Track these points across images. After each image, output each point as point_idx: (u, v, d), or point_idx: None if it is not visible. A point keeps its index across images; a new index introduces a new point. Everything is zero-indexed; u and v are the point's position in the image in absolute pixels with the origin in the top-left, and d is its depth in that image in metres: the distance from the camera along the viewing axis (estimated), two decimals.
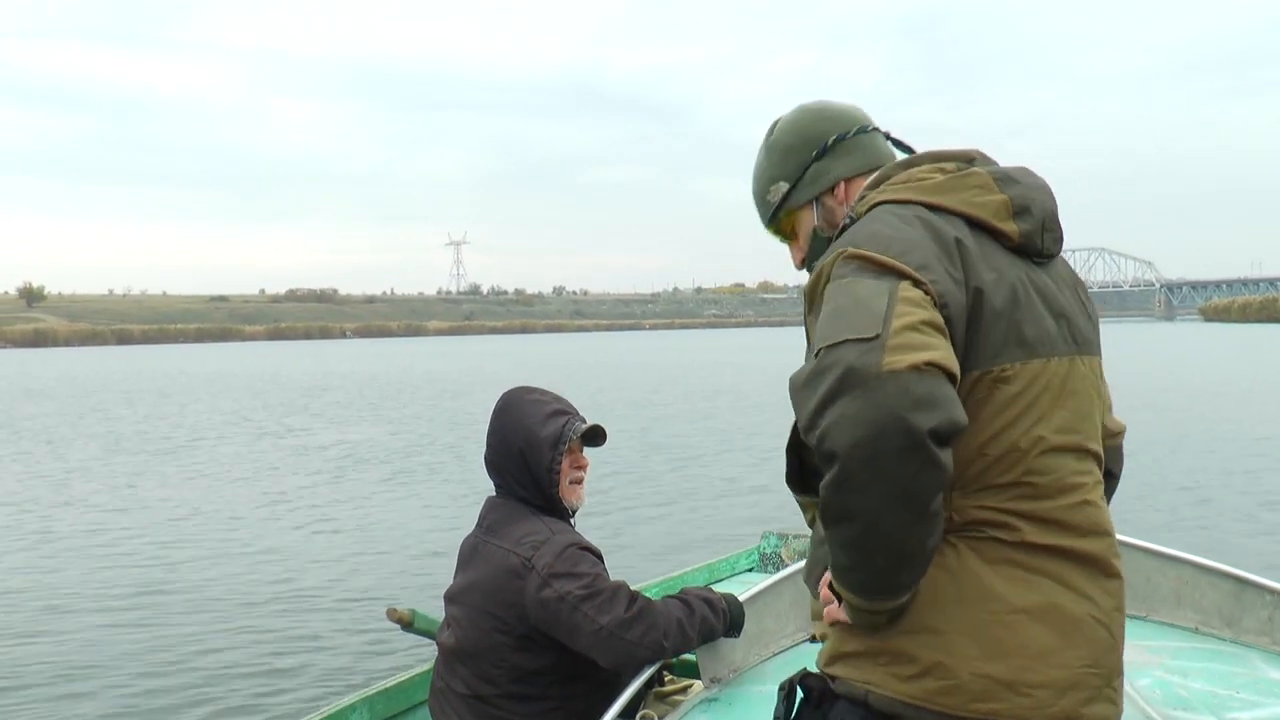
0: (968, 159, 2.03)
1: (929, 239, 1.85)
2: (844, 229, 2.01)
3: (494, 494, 3.22)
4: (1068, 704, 1.80)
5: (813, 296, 1.90)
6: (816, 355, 1.73)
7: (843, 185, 2.17)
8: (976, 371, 1.83)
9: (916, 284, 1.77)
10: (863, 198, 2.04)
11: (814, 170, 2.17)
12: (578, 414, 3.20)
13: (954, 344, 1.78)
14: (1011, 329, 1.86)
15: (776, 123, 2.23)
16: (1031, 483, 1.85)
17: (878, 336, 1.66)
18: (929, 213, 1.91)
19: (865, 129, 2.16)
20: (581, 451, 3.20)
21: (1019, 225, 1.94)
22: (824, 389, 1.67)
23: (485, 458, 3.20)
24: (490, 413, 3.22)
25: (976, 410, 1.82)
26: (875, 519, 1.67)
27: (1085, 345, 2.02)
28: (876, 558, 1.73)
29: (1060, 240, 2.03)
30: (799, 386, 1.74)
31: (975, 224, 1.93)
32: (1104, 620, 1.88)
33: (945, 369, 1.67)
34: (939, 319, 1.75)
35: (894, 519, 1.67)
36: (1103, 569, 1.90)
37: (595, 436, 3.22)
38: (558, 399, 3.22)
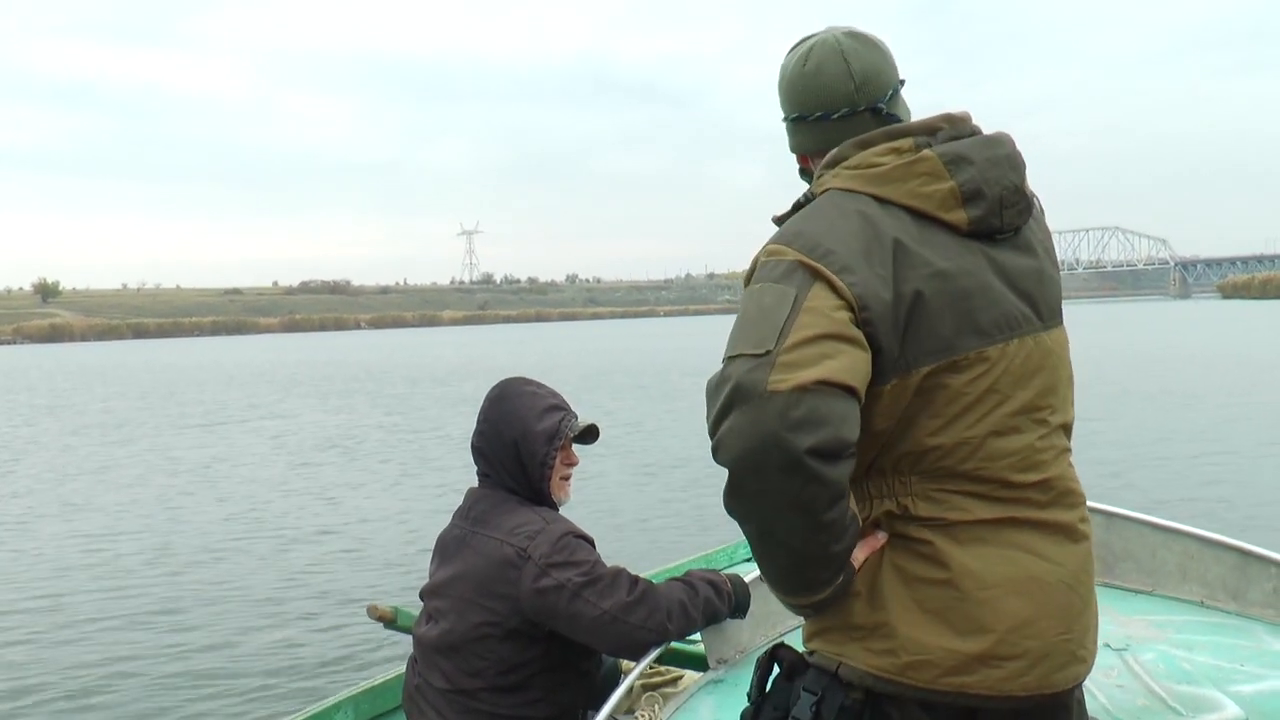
0: (929, 131, 1.94)
1: (862, 238, 1.82)
2: (797, 206, 1.99)
3: (476, 484, 3.16)
4: (1041, 672, 1.84)
5: (746, 285, 1.90)
6: (722, 364, 1.77)
7: (807, 156, 2.14)
8: (925, 368, 1.83)
9: (832, 288, 1.76)
10: (820, 176, 2.00)
11: (788, 128, 2.15)
12: (572, 410, 3.16)
13: (879, 347, 1.78)
14: (964, 320, 1.85)
15: (810, 50, 2.08)
16: (994, 466, 1.87)
17: (768, 353, 1.69)
18: (874, 205, 1.87)
19: (830, 115, 2.05)
20: (572, 449, 3.16)
21: (968, 212, 1.89)
22: (720, 402, 1.72)
23: (473, 444, 3.15)
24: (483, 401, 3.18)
25: (926, 403, 1.84)
26: (768, 526, 1.75)
27: (1052, 318, 1.99)
28: (778, 559, 1.81)
29: (1025, 211, 1.97)
30: (708, 394, 1.78)
31: (922, 215, 1.88)
32: (1071, 583, 1.90)
33: (838, 384, 1.68)
34: (848, 328, 1.75)
35: (785, 527, 1.73)
36: (1069, 535, 1.92)
37: (589, 435, 3.19)
38: (553, 393, 3.19)
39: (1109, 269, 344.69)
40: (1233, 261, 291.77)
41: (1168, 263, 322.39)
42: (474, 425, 3.17)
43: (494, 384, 3.22)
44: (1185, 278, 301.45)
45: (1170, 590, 3.59)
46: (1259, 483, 12.90)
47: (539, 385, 3.19)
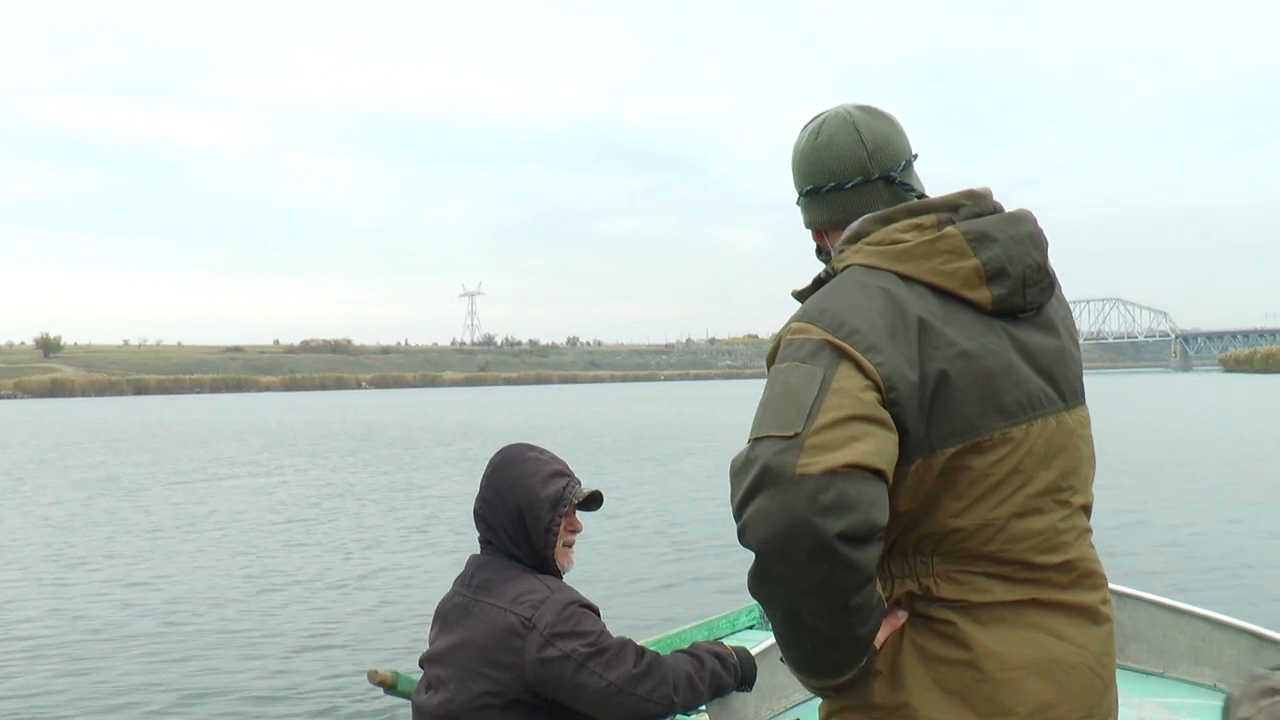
0: (952, 208, 1.94)
1: (886, 316, 1.80)
2: (819, 282, 1.98)
3: (478, 552, 3.12)
4: None
5: (769, 363, 1.88)
6: (748, 444, 1.75)
7: (823, 231, 2.13)
8: (949, 449, 1.81)
9: (859, 367, 1.75)
10: (841, 251, 1.99)
11: (801, 204, 2.15)
12: (575, 476, 3.14)
13: (905, 428, 1.77)
14: (988, 400, 1.83)
15: (822, 124, 2.10)
16: (1017, 547, 1.86)
17: (796, 435, 1.67)
18: (898, 282, 1.86)
19: (843, 185, 2.05)
20: (576, 515, 3.14)
21: (993, 291, 1.88)
22: (746, 483, 1.70)
23: (476, 511, 3.12)
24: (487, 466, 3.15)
25: (950, 485, 1.83)
26: (795, 609, 1.72)
27: (1074, 398, 1.97)
28: (803, 643, 1.78)
29: (1048, 289, 1.97)
30: (732, 474, 1.76)
31: (945, 293, 1.87)
32: (1094, 665, 1.89)
33: (868, 467, 1.66)
34: (876, 409, 1.73)
35: (811, 611, 1.71)
36: (1092, 618, 1.91)
37: (593, 501, 3.16)
38: (556, 459, 3.16)
39: (1110, 340, 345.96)
40: (1234, 335, 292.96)
41: (1169, 335, 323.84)
42: (474, 487, 3.14)
43: (497, 450, 3.20)
44: (1186, 350, 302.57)
45: (1182, 673, 3.55)
46: (1267, 561, 12.79)
47: (542, 451, 3.16)
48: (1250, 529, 14.99)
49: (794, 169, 2.13)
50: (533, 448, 3.16)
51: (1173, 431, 35.22)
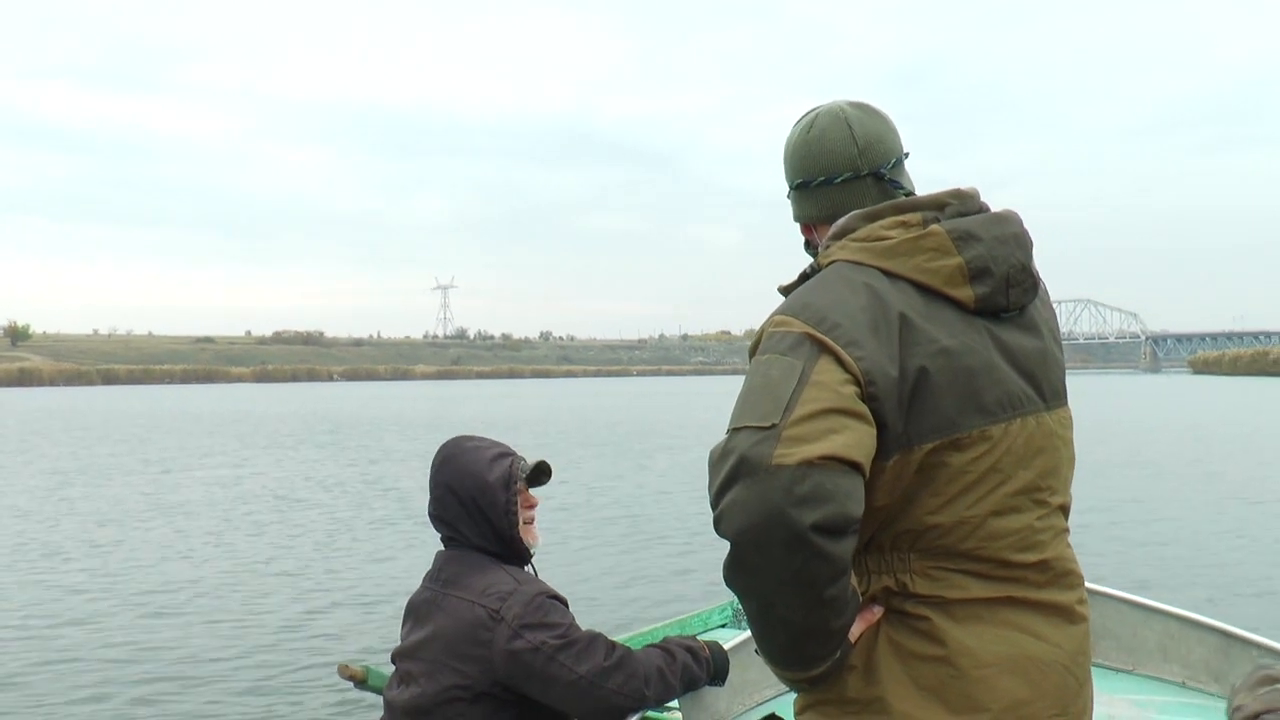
0: (937, 206, 1.95)
1: (869, 312, 1.81)
2: (804, 277, 1.99)
3: (443, 548, 3.11)
4: None
5: (751, 355, 1.89)
6: (726, 435, 1.76)
7: (811, 225, 2.14)
8: (927, 445, 1.82)
9: (839, 361, 1.76)
10: (827, 247, 2.00)
11: (792, 197, 2.16)
12: (518, 454, 3.14)
13: (884, 423, 1.78)
14: (968, 397, 1.85)
15: (815, 118, 2.11)
16: (993, 545, 1.87)
17: (774, 426, 1.68)
18: (882, 279, 1.87)
19: (833, 180, 2.07)
20: (529, 491, 3.13)
21: (975, 290, 1.89)
22: (723, 473, 1.70)
23: (430, 512, 3.11)
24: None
25: (928, 481, 1.84)
26: (769, 600, 1.73)
27: (1055, 399, 1.99)
28: (777, 634, 1.78)
29: (1031, 290, 1.98)
30: (710, 464, 1.76)
31: (929, 290, 1.88)
32: (1069, 664, 1.91)
33: (845, 459, 1.67)
34: (855, 403, 1.74)
35: (786, 602, 1.71)
36: (1067, 616, 1.94)
37: (541, 474, 3.15)
38: (496, 442, 3.16)
39: (1080, 341, 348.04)
40: (1203, 337, 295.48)
41: (1139, 336, 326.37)
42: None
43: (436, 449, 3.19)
44: (1156, 352, 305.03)
45: (1151, 670, 3.59)
46: (1241, 563, 12.90)
47: (480, 438, 3.16)
48: (1216, 528, 15.16)
49: (785, 162, 2.14)
50: (470, 437, 3.15)
51: (1141, 432, 35.51)
